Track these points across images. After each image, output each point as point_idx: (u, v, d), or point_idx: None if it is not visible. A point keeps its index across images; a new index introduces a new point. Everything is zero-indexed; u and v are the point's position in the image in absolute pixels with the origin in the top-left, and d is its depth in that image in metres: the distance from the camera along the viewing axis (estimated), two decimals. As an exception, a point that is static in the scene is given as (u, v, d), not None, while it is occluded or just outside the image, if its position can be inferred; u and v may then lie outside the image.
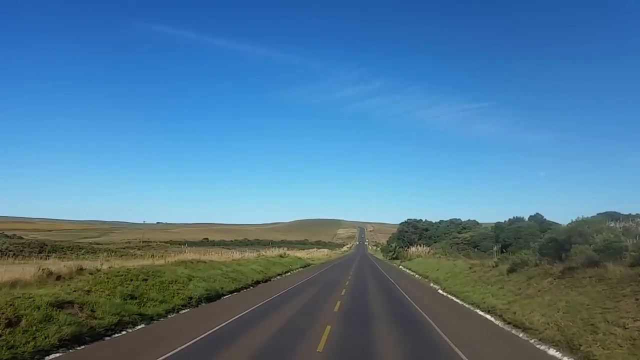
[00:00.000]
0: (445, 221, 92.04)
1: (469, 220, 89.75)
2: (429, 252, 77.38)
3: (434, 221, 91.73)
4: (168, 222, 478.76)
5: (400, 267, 63.83)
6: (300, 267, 52.52)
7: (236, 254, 44.59)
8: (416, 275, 45.09)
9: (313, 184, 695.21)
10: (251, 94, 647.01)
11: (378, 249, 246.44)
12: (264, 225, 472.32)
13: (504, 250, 63.13)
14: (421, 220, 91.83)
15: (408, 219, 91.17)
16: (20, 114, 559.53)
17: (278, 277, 37.47)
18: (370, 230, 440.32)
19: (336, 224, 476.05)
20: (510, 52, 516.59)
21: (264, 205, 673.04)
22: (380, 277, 41.43)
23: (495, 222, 75.83)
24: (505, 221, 69.00)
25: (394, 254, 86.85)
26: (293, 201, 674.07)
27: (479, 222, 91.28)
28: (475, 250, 68.25)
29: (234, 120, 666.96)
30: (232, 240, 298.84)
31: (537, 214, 64.62)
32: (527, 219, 65.00)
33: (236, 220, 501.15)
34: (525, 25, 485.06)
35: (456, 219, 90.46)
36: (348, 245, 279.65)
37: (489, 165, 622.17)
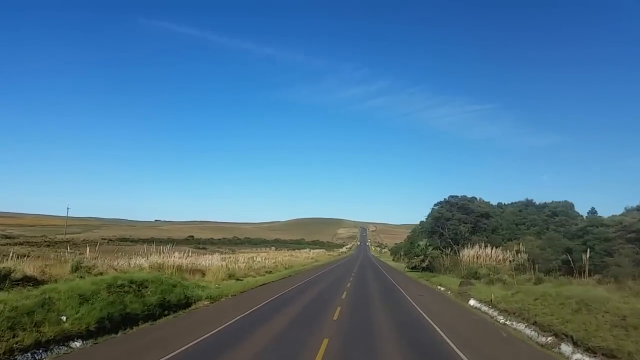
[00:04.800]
0: (509, 205, 49.66)
1: (552, 201, 47.39)
2: (502, 258, 35.16)
3: (491, 202, 48.92)
4: (166, 219, 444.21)
5: (487, 314, 20.72)
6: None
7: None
8: None
9: (314, 184, 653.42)
10: (254, 92, 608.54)
11: (384, 250, 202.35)
12: (261, 224, 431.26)
13: None
14: (475, 198, 48.55)
15: (450, 197, 46.93)
16: (20, 111, 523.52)
17: None
18: (373, 231, 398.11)
19: (337, 223, 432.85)
20: (515, 54, 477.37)
21: (264, 205, 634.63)
22: None
23: None
24: None
25: (424, 260, 44.16)
26: (293, 200, 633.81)
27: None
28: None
29: (236, 118, 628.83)
30: (220, 239, 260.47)
31: None
32: None
33: (234, 219, 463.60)
34: (530, 28, 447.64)
35: (529, 200, 48.18)
36: (348, 246, 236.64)
37: (488, 165, 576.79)
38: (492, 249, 36.00)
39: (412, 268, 48.15)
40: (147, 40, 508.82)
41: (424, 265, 44.25)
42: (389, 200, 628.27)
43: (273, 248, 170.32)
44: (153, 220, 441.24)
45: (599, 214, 54.79)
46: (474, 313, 18.90)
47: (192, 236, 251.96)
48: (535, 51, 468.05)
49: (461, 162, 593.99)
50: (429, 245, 45.40)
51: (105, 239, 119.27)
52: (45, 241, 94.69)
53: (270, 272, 40.42)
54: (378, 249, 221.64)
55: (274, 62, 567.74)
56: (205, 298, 17.86)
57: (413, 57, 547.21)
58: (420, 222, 57.94)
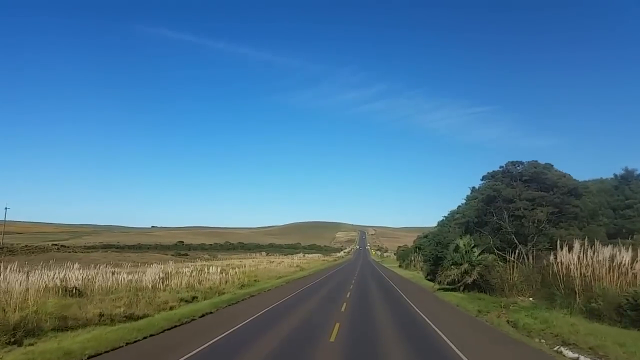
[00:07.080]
0: (594, 181, 31.00)
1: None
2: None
3: (572, 176, 29.92)
4: (163, 226, 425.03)
5: None
6: None
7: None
8: None
9: (312, 188, 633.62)
10: (251, 97, 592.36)
11: (386, 254, 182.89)
12: (258, 229, 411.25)
13: None
14: (550, 165, 25.69)
15: (510, 163, 26.16)
16: (19, 118, 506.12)
17: None
18: (372, 234, 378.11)
19: (335, 227, 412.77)
20: (513, 57, 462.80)
21: (262, 209, 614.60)
22: None
23: None
24: None
25: (468, 272, 25.11)
26: (291, 205, 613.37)
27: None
28: None
29: (234, 123, 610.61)
30: (211, 244, 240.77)
31: None
32: None
33: (232, 224, 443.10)
34: (528, 31, 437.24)
35: (630, 170, 29.51)
36: (346, 250, 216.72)
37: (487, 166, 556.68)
38: (628, 250, 17.07)
39: (449, 289, 28.74)
40: (143, 46, 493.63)
41: (468, 280, 25.23)
42: (389, 203, 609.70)
43: (264, 253, 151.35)
44: (150, 226, 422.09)
45: None
46: None
47: (182, 242, 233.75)
48: (535, 54, 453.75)
49: (460, 164, 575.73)
50: (474, 246, 26.43)
51: (56, 244, 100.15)
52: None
53: (195, 298, 21.52)
54: (379, 253, 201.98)
55: (272, 66, 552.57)
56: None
57: (411, 61, 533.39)
58: (458, 207, 37.81)
